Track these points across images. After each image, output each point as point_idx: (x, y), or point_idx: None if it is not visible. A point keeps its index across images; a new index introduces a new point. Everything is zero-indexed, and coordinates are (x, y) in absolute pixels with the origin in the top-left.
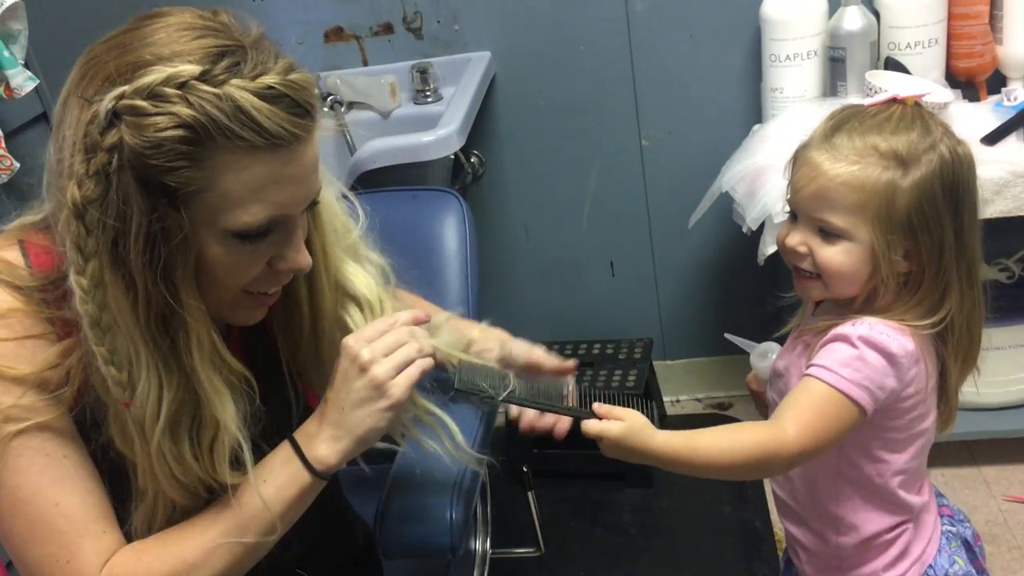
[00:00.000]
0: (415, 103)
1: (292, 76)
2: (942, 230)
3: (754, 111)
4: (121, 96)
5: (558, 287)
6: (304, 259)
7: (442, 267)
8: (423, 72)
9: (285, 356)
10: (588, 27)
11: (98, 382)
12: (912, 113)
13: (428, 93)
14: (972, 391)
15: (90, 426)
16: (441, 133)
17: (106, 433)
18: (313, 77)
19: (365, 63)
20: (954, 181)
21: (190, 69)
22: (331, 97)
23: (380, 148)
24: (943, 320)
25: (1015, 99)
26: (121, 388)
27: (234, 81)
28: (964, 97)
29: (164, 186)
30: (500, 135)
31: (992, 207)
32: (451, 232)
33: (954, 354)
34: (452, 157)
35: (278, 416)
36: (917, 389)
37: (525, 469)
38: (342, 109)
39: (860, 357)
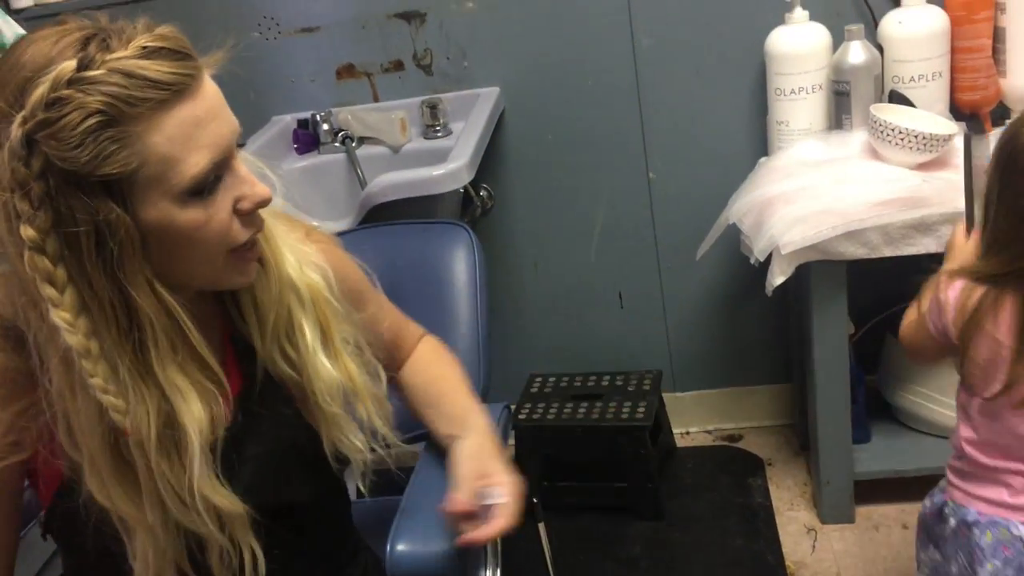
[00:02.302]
0: (425, 138)
1: (157, 31)
2: None
3: (760, 144)
4: (24, 120)
5: (567, 319)
6: (263, 189)
7: (453, 299)
8: (433, 107)
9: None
10: (595, 62)
11: (64, 438)
12: None
13: (438, 128)
14: None
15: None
16: (451, 167)
17: (84, 490)
18: (174, 26)
19: (376, 99)
20: None
21: (69, 65)
22: (342, 132)
23: (391, 182)
24: None
25: None
26: (121, 415)
27: (111, 56)
28: (969, 129)
29: (105, 182)
30: (509, 169)
31: None
32: (461, 264)
33: None
34: (462, 191)
35: (273, 430)
36: None
37: (535, 500)
38: (353, 144)
39: None
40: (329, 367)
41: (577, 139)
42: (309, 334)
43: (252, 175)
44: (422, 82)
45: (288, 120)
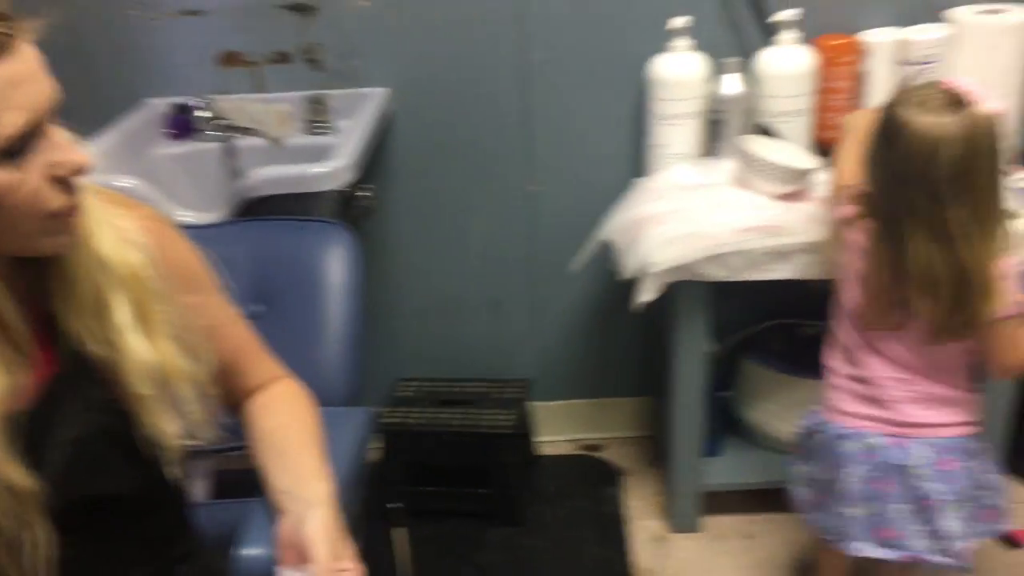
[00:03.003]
0: (309, 133)
1: None
2: None
3: (639, 164)
4: None
5: (441, 325)
6: (80, 155)
7: (326, 300)
8: (319, 103)
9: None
10: (487, 72)
11: None
12: None
13: (323, 125)
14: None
15: None
16: (333, 165)
17: None
18: None
19: (259, 89)
20: None
21: None
22: (221, 121)
23: (269, 176)
24: None
25: None
26: None
27: None
28: (827, 166)
29: None
30: (394, 171)
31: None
32: (337, 265)
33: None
34: (344, 190)
35: (84, 414)
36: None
37: (396, 506)
38: (231, 134)
39: None
40: (143, 347)
41: (463, 146)
42: (122, 312)
43: (68, 139)
44: (309, 77)
45: (162, 104)
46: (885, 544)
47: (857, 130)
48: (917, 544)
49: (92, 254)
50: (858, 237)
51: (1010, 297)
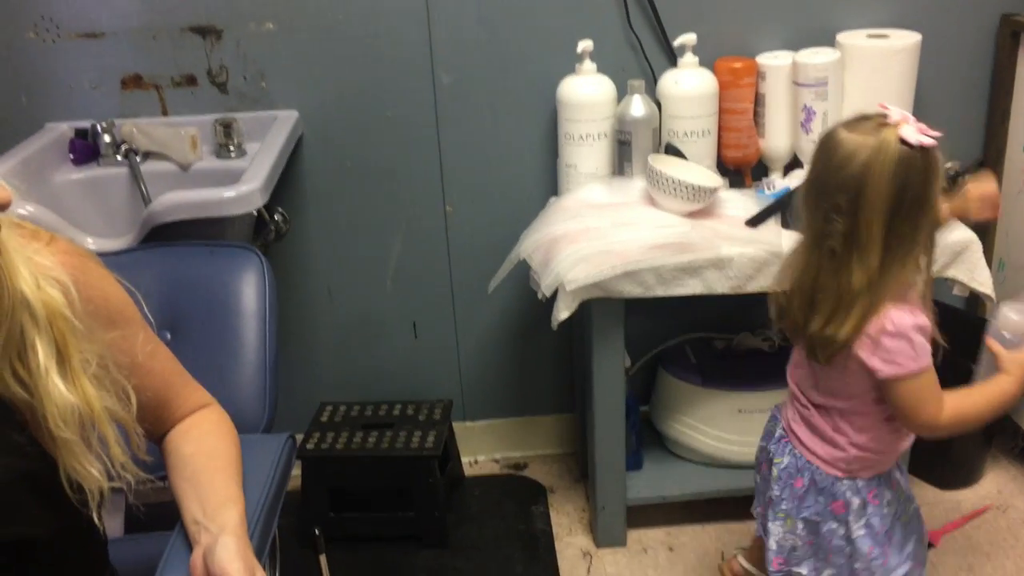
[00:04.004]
0: (218, 157)
1: None
2: None
3: (551, 184)
4: None
5: (360, 348)
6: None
7: (238, 325)
8: (227, 126)
9: None
10: (396, 94)
11: None
12: None
13: (232, 148)
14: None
15: None
16: (243, 189)
17: None
18: None
19: (165, 113)
20: None
21: None
22: (126, 145)
23: (177, 201)
24: None
25: (774, 187)
26: None
27: None
28: (732, 184)
29: None
30: (306, 194)
31: (753, 283)
32: (250, 289)
33: None
34: (255, 214)
35: (2, 457)
36: None
37: (317, 532)
38: (137, 158)
39: None
40: (63, 389)
41: (376, 168)
42: (42, 353)
43: None
44: (216, 100)
45: (65, 128)
46: (758, 516)
47: None
48: (762, 531)
49: (12, 294)
50: None
51: (881, 354)
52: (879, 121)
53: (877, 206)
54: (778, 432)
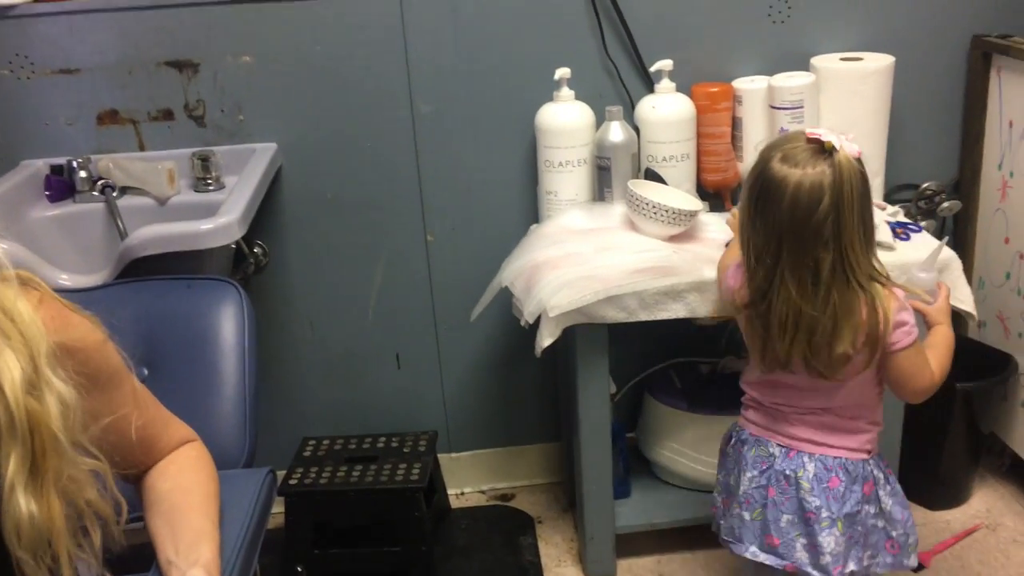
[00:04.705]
0: (195, 191)
1: None
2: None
3: (532, 211)
4: None
5: (343, 380)
6: None
7: (218, 359)
8: (204, 160)
9: None
10: (375, 125)
11: None
12: None
13: (210, 181)
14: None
15: None
16: (221, 221)
17: None
18: None
19: (142, 147)
20: None
21: None
22: (102, 181)
23: (153, 235)
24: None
25: None
26: None
27: None
28: (712, 208)
29: None
30: (286, 226)
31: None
32: (229, 323)
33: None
34: (234, 247)
35: None
36: None
37: (300, 570)
38: (114, 194)
39: None
40: (24, 506)
41: (356, 199)
42: (12, 465)
43: None
44: (194, 133)
45: (40, 165)
46: (771, 551)
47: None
48: (799, 555)
49: None
50: (742, 300)
51: (902, 328)
52: (813, 148)
53: (855, 223)
54: (772, 452)
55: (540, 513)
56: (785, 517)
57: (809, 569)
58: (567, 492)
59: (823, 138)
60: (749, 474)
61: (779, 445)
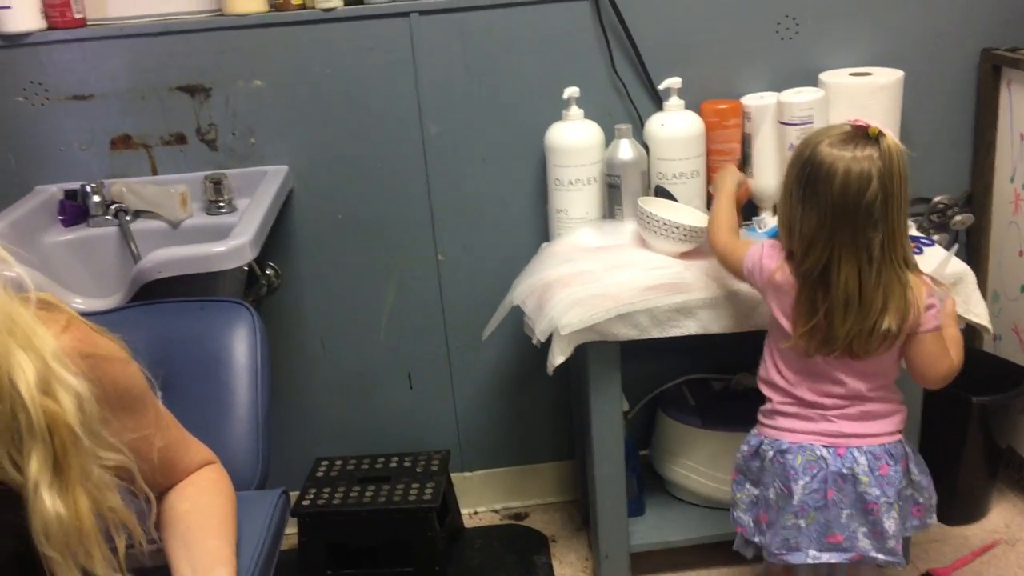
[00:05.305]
0: (208, 213)
1: None
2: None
3: (542, 229)
4: None
5: (355, 400)
6: None
7: (231, 380)
8: (217, 183)
9: None
10: (385, 146)
11: None
12: None
13: (222, 204)
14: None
15: None
16: (233, 243)
17: None
18: None
19: (154, 171)
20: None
21: None
22: (115, 205)
23: (167, 257)
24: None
25: (765, 226)
26: None
27: None
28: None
29: None
30: (297, 248)
31: (749, 322)
32: (241, 344)
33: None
34: (246, 269)
35: None
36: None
37: None
38: (127, 218)
39: None
40: (49, 504)
41: (367, 220)
42: (35, 465)
43: None
44: (206, 157)
45: (54, 190)
46: (833, 548)
47: (724, 188)
48: (862, 544)
49: (10, 392)
50: (784, 280)
51: (931, 311)
52: (857, 134)
53: (902, 204)
54: (820, 455)
55: (554, 532)
56: (845, 513)
57: (875, 554)
58: (581, 510)
59: (869, 124)
60: (802, 481)
61: (825, 447)
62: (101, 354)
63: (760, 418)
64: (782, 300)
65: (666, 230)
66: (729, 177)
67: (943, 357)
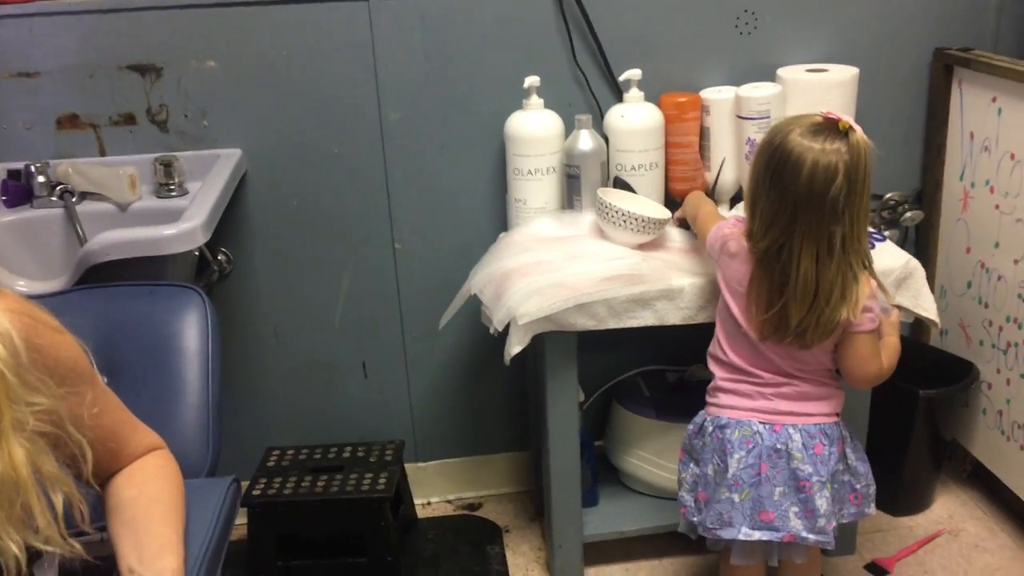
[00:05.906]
0: (158, 196)
1: None
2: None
3: (501, 219)
4: None
5: (309, 389)
6: None
7: (180, 366)
8: (167, 165)
9: None
10: (342, 132)
11: None
12: None
13: (172, 187)
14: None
15: None
16: (184, 226)
17: None
18: None
19: (103, 152)
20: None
21: None
22: (61, 186)
23: (115, 240)
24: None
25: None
26: None
27: None
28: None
29: None
30: (250, 233)
31: (704, 313)
32: (192, 330)
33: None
34: (197, 253)
35: None
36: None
37: None
38: (73, 199)
39: None
40: None
41: (323, 206)
42: None
43: None
44: (156, 138)
45: None
46: (765, 527)
47: (699, 204)
48: (793, 524)
49: None
50: (739, 249)
51: (868, 314)
52: (828, 126)
53: (864, 198)
54: (756, 430)
55: (508, 522)
56: (778, 490)
57: (805, 534)
58: (535, 501)
59: (839, 117)
60: (737, 455)
61: (762, 423)
62: (33, 315)
63: (707, 397)
64: (731, 269)
65: (624, 221)
66: (699, 198)
67: (872, 360)
